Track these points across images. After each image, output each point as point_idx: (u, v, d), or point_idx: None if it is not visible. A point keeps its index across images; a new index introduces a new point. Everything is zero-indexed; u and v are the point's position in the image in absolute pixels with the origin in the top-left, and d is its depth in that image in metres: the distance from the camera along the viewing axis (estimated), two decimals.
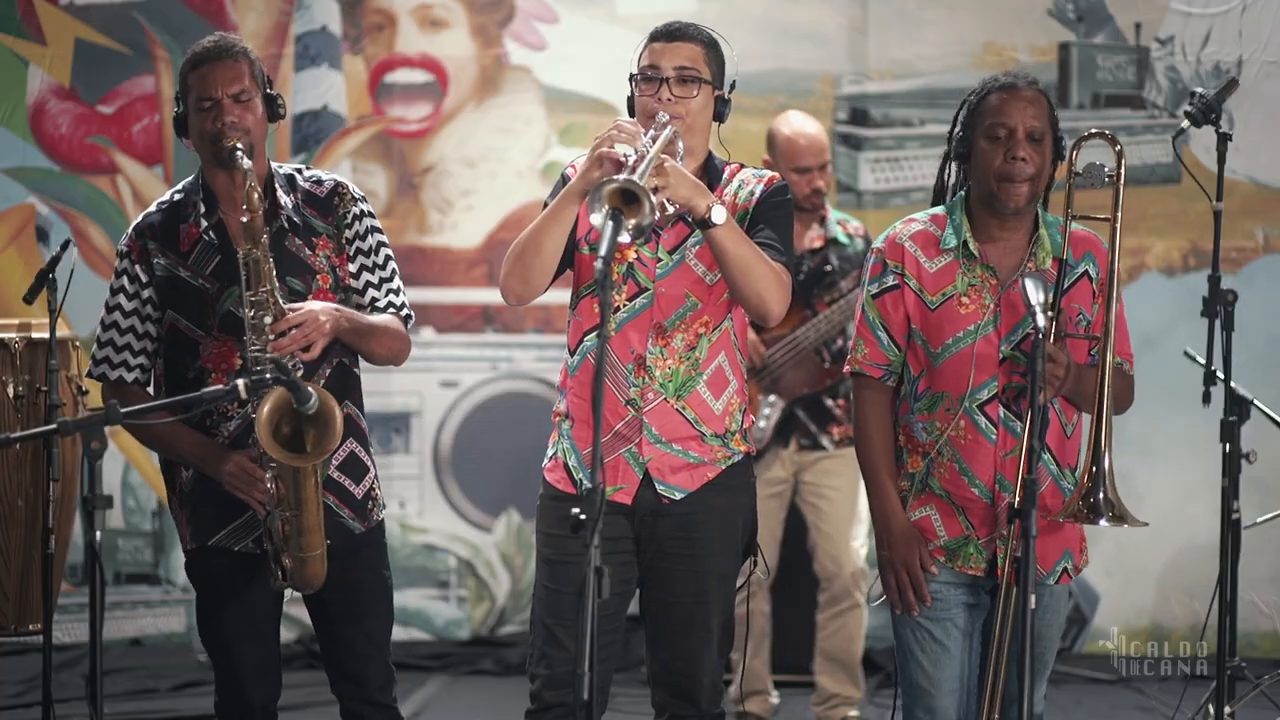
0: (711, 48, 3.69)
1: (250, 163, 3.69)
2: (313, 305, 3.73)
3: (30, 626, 4.32)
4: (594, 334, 3.53)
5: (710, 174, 3.69)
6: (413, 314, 3.95)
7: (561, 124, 6.78)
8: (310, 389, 3.53)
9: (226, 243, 3.77)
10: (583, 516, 3.00)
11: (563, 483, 3.70)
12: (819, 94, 6.68)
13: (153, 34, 6.71)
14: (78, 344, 4.47)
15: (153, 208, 3.89)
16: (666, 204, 3.51)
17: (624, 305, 3.64)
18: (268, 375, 3.54)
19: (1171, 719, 5.19)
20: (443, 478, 6.82)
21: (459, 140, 6.81)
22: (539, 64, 6.78)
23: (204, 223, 3.79)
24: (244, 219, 3.67)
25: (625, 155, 3.46)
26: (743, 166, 3.75)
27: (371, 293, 3.88)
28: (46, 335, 4.22)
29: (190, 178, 3.89)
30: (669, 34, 3.67)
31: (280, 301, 3.68)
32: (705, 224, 3.50)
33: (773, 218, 3.66)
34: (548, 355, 6.73)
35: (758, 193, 3.69)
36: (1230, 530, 4.46)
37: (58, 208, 6.74)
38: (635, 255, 3.65)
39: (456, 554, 6.76)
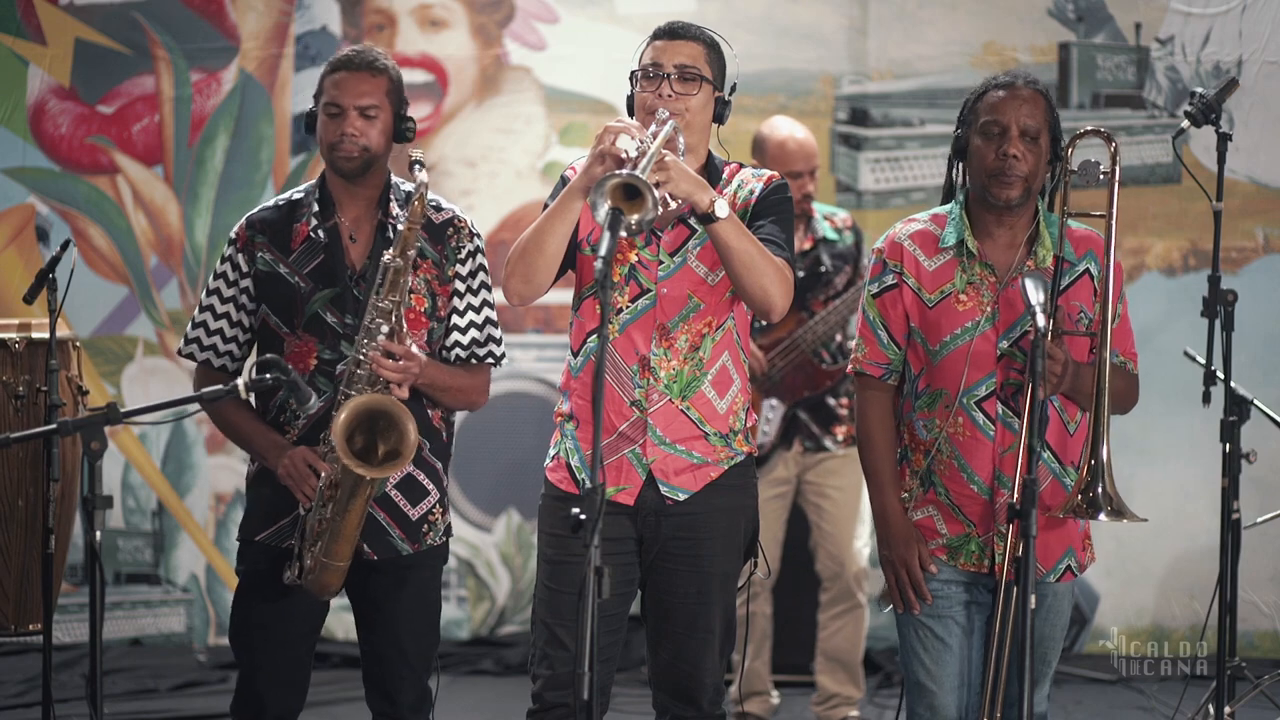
0: (713, 49, 3.70)
1: (425, 176, 3.70)
2: (420, 354, 3.73)
3: (30, 626, 4.32)
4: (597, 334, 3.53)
5: (711, 173, 3.69)
6: (502, 357, 3.92)
7: (561, 124, 6.77)
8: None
9: (335, 246, 3.79)
10: (583, 516, 3.00)
11: (565, 483, 3.70)
12: (819, 94, 6.68)
13: (153, 34, 6.70)
14: (78, 344, 4.46)
15: (270, 203, 3.92)
16: (669, 199, 3.51)
17: (627, 307, 3.64)
18: (268, 376, 3.54)
19: (1171, 719, 5.19)
20: None
21: (459, 140, 6.81)
22: (539, 64, 6.78)
23: (314, 222, 3.81)
24: (402, 226, 3.69)
25: (626, 152, 3.47)
26: (742, 166, 3.76)
27: (473, 333, 3.87)
28: (46, 335, 4.22)
29: (314, 180, 3.89)
30: (671, 32, 3.68)
31: (403, 320, 3.70)
32: (708, 218, 3.51)
33: (774, 215, 3.67)
34: (548, 355, 6.73)
35: (758, 191, 3.70)
36: (1230, 530, 4.46)
37: (58, 208, 6.73)
38: (636, 257, 3.65)
39: (456, 554, 6.75)
